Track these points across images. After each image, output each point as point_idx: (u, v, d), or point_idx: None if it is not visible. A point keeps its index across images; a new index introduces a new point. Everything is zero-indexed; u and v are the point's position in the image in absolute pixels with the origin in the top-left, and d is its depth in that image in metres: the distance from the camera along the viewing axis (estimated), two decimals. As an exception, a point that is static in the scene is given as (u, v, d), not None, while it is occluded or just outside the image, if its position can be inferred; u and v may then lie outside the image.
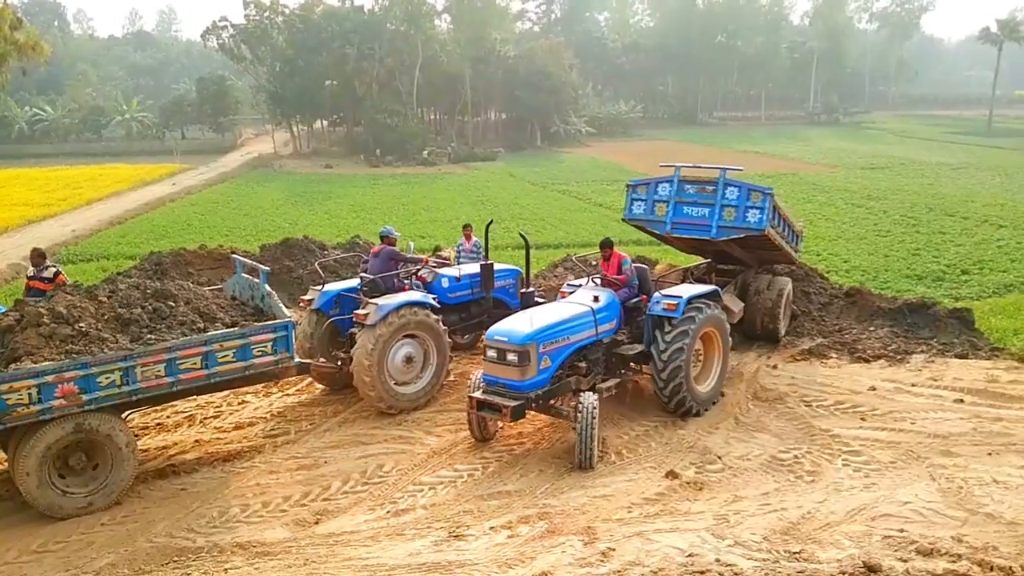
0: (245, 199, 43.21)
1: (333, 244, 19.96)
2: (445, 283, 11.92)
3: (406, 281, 11.62)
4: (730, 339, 10.74)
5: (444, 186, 47.60)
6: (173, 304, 8.90)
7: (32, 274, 11.20)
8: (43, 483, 7.72)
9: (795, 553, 6.04)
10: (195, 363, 8.40)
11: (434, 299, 11.19)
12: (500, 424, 9.57)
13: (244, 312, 9.67)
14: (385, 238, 11.62)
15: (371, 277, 11.23)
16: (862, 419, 9.83)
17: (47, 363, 7.63)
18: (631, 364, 10.30)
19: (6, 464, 8.47)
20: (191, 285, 9.70)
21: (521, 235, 11.17)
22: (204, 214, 37.97)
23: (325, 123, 75.84)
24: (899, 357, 12.21)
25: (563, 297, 10.54)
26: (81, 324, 8.13)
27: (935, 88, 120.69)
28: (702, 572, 5.62)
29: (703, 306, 10.06)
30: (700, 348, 10.29)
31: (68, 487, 7.96)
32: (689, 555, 6.11)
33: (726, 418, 10.04)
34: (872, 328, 13.69)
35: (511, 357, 8.69)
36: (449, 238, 23.98)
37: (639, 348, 10.09)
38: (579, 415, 8.49)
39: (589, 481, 8.25)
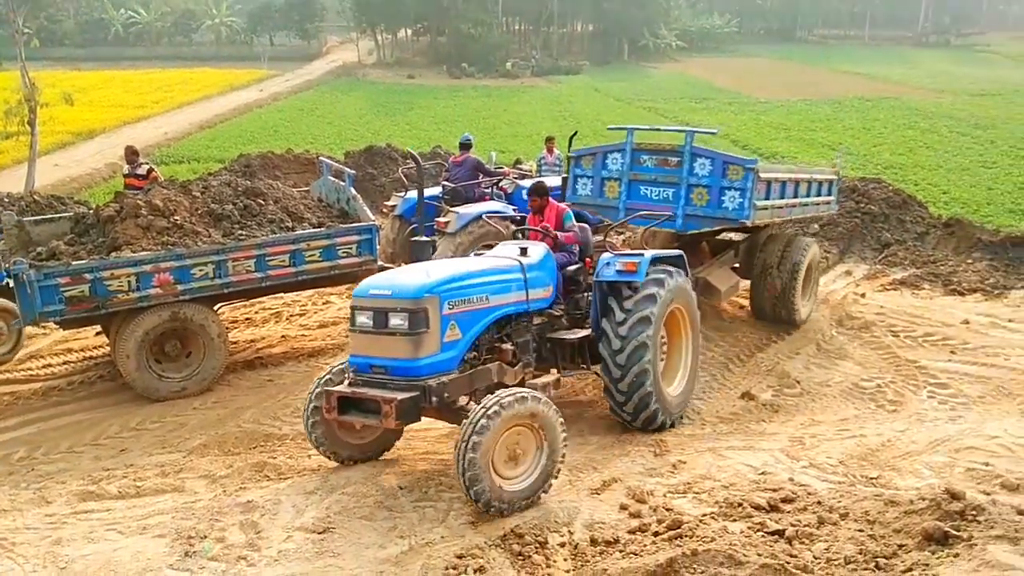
0: (329, 107, 43.60)
1: (415, 153, 20.03)
2: (525, 195, 11.85)
3: (487, 191, 11.62)
4: (699, 321, 7.86)
5: (526, 99, 46.90)
6: (263, 202, 9.14)
7: (127, 171, 11.70)
8: (141, 366, 8.18)
9: (872, 478, 5.93)
10: (283, 260, 8.67)
11: (514, 210, 11.15)
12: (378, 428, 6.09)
13: (330, 214, 9.87)
14: (468, 145, 11.61)
15: (452, 186, 11.26)
16: (952, 352, 9.47)
17: (145, 253, 7.99)
18: (572, 358, 7.22)
19: (109, 348, 9.02)
20: (280, 185, 9.93)
21: (410, 154, 7.88)
22: (290, 121, 38.55)
23: (409, 32, 75.12)
24: (997, 292, 11.66)
25: None
26: (176, 217, 8.44)
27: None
28: (774, 490, 5.58)
29: (665, 278, 7.15)
30: (663, 335, 7.45)
31: (164, 372, 8.43)
32: (762, 473, 6.09)
33: (807, 344, 9.83)
34: (970, 261, 13.08)
35: (396, 321, 5.64)
36: (529, 152, 23.72)
37: (584, 332, 7.10)
38: (467, 419, 5.31)
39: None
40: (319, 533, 5.33)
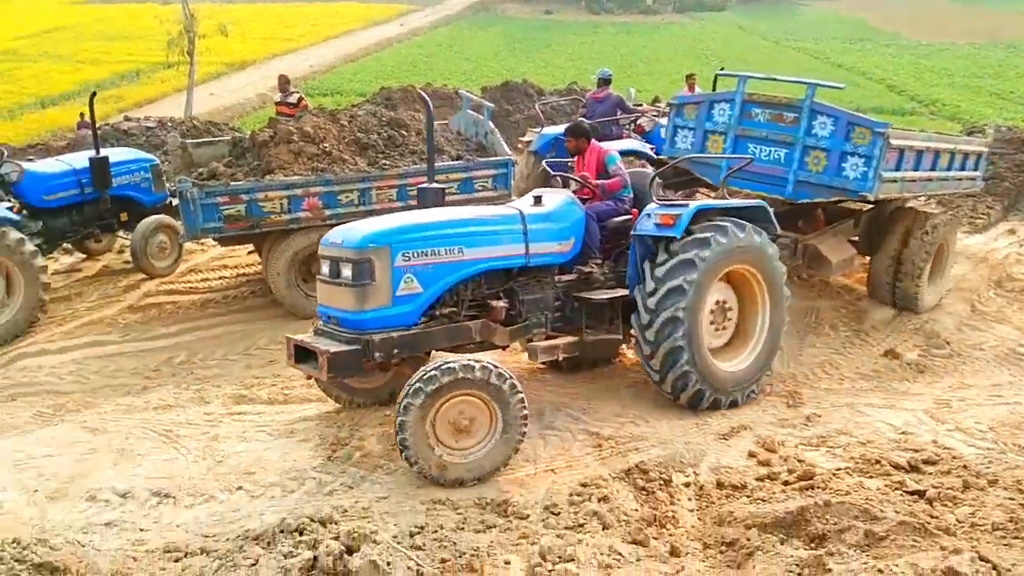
0: (467, 43, 43.79)
1: (551, 90, 19.92)
2: (663, 133, 11.58)
3: (624, 128, 11.44)
4: (786, 291, 6.62)
5: (666, 36, 45.40)
6: (405, 133, 9.36)
7: (279, 99, 12.24)
8: (290, 284, 8.67)
9: (1025, 448, 5.59)
10: (423, 191, 8.87)
11: (651, 149, 10.93)
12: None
13: (468, 147, 9.99)
14: (608, 81, 11.48)
15: (590, 122, 11.11)
16: None
17: (296, 177, 8.39)
18: (611, 320, 6.34)
19: (260, 266, 9.61)
20: (421, 117, 10.09)
21: (421, 96, 7.53)
22: (428, 56, 39.05)
23: (549, -34, 73.75)
24: None
25: None
26: (325, 144, 8.78)
27: None
28: (916, 451, 5.34)
29: (728, 226, 6.14)
30: (727, 300, 6.47)
31: (310, 291, 8.86)
32: (903, 432, 5.84)
33: (961, 304, 9.19)
34: None
35: (345, 272, 5.42)
36: (666, 92, 23.04)
37: (621, 292, 6.28)
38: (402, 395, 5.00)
39: (798, 349, 7.97)
40: (450, 451, 5.56)
